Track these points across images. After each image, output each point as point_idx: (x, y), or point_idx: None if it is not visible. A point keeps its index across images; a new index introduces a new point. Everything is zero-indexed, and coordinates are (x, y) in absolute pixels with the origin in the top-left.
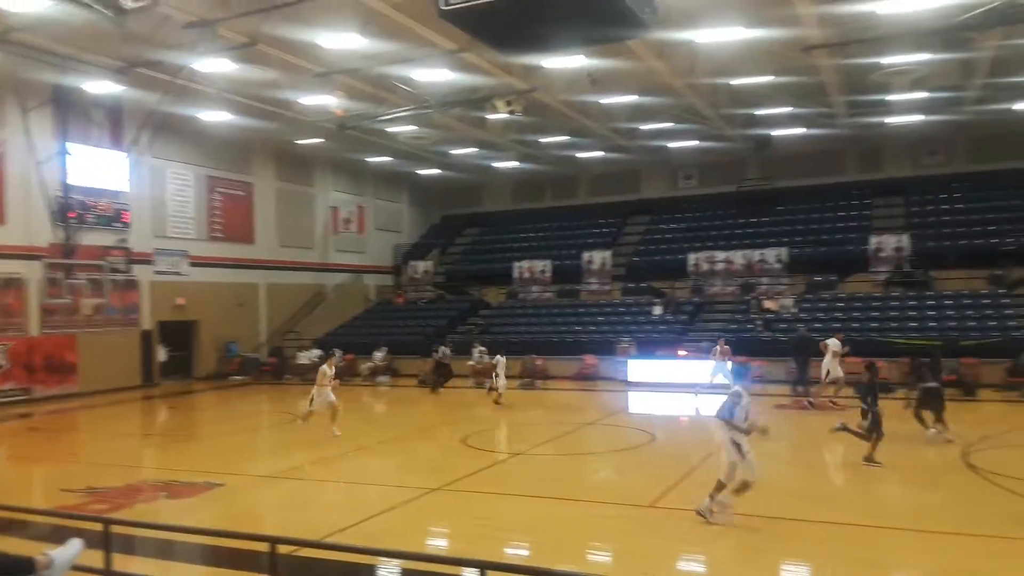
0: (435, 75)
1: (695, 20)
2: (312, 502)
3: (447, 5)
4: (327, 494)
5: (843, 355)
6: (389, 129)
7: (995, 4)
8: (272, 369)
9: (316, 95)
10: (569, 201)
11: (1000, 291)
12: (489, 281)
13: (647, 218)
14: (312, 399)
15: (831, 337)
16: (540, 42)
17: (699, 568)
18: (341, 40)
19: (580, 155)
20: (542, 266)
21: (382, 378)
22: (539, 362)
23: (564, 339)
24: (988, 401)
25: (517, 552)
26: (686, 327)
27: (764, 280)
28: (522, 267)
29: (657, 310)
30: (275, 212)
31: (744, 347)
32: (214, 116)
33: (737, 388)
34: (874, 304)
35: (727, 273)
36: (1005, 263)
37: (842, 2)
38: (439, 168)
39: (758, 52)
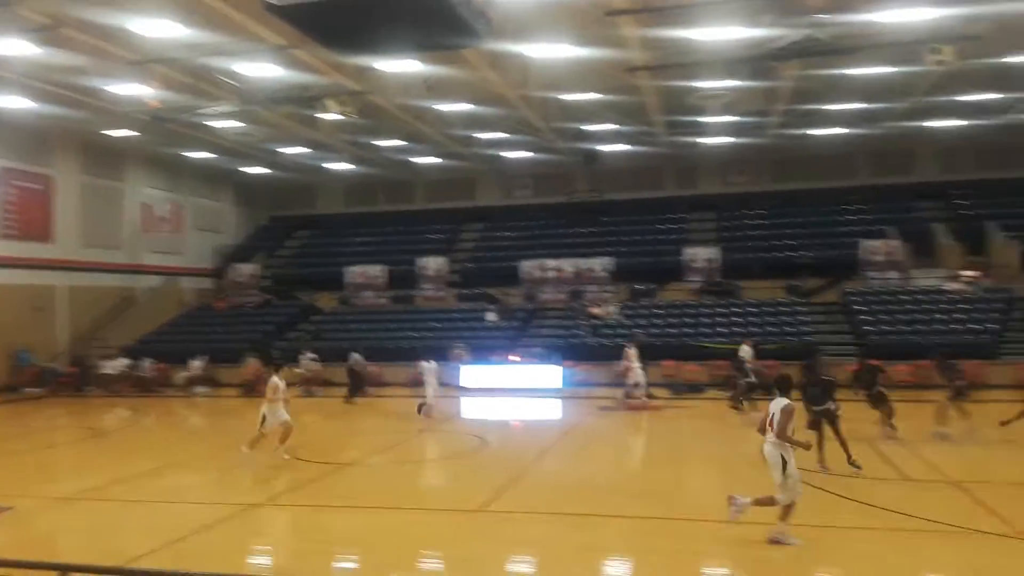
0: (263, 70)
1: (527, 35)
2: (117, 525)
3: None
4: (134, 515)
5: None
6: (211, 124)
7: (795, 38)
8: (73, 380)
9: (129, 84)
10: (405, 206)
11: (797, 300)
12: (320, 286)
13: (482, 225)
14: (263, 419)
15: (742, 344)
16: (371, 44)
17: (527, 569)
18: (158, 27)
19: (416, 160)
20: (376, 271)
21: (200, 388)
22: (373, 368)
23: (399, 345)
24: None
25: (345, 566)
26: (519, 333)
27: (591, 288)
28: (355, 272)
29: (491, 316)
30: (79, 208)
31: (572, 352)
32: (10, 102)
33: (788, 402)
34: (688, 311)
35: (557, 281)
36: (801, 274)
37: (662, 27)
38: (267, 167)
39: (586, 70)
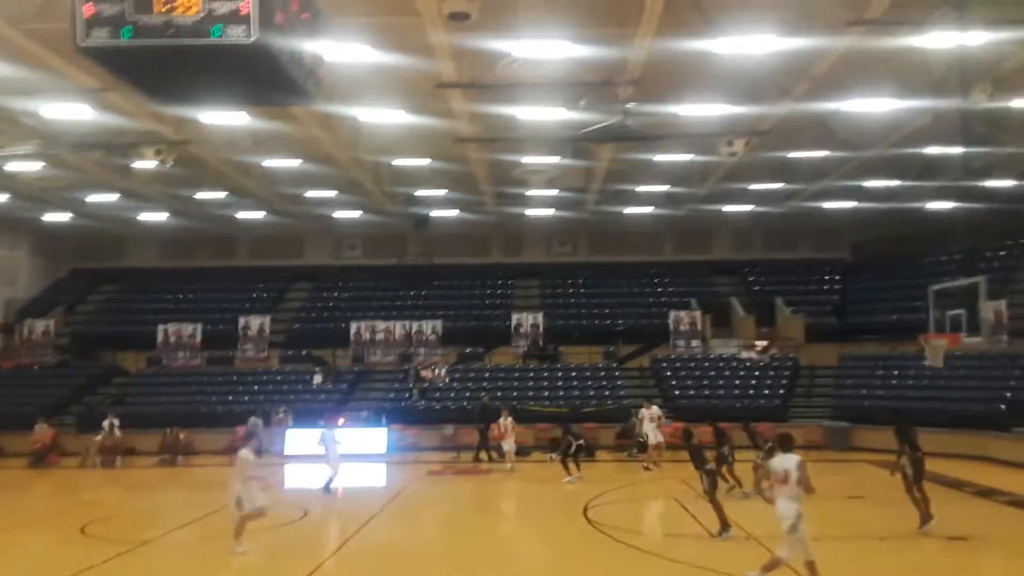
0: (72, 112)
1: (359, 98)
2: None
3: (86, 41)
4: None
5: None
6: (6, 167)
7: (608, 123)
8: None
9: None
10: (226, 262)
11: (613, 364)
12: (127, 345)
13: (310, 285)
14: (239, 501)
15: (651, 406)
16: (190, 96)
17: None
18: None
19: (240, 215)
20: (191, 330)
21: None
22: (182, 435)
23: (214, 410)
24: (603, 461)
25: None
26: (346, 396)
27: (421, 350)
28: (168, 330)
29: (317, 379)
30: None
31: (400, 415)
32: None
33: (799, 457)
34: (515, 374)
35: (387, 343)
36: (616, 341)
37: (488, 103)
38: (71, 214)
39: (417, 137)
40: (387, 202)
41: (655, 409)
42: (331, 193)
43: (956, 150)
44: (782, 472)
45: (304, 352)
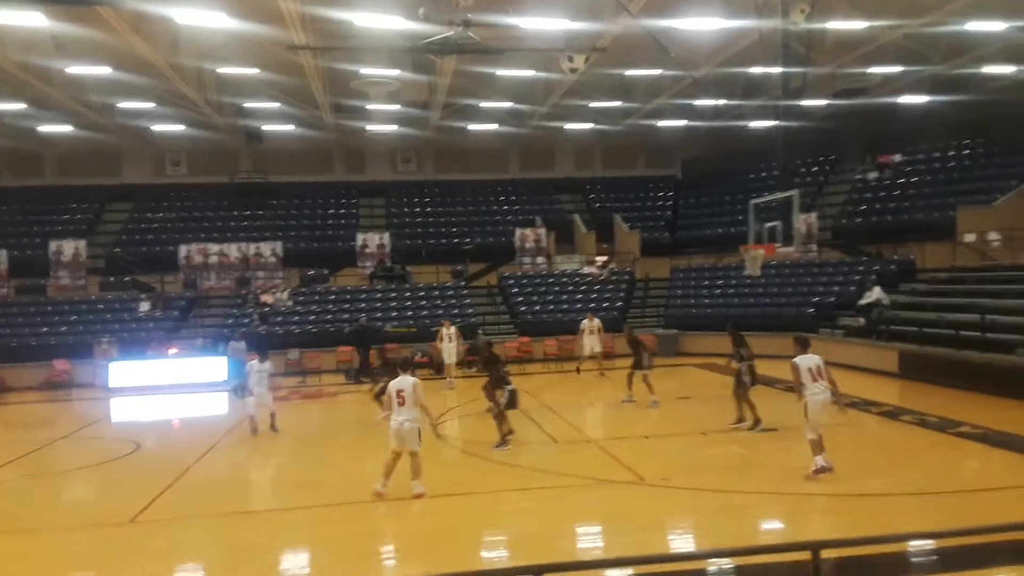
0: None
1: None
2: None
3: None
4: None
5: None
6: None
7: (450, 34)
8: None
9: None
10: (32, 181)
11: (461, 283)
12: None
13: (130, 205)
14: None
15: (593, 318)
16: None
17: None
18: None
19: (44, 129)
20: None
21: None
22: None
23: (27, 343)
24: (456, 377)
25: None
26: (178, 324)
27: (260, 274)
28: None
29: (144, 307)
30: None
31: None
32: None
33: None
34: (362, 296)
35: (222, 267)
36: (464, 259)
37: (322, 6)
38: None
39: (245, 43)
40: (214, 114)
41: (596, 321)
42: (149, 104)
43: (777, 69)
44: (815, 367)
45: (127, 278)
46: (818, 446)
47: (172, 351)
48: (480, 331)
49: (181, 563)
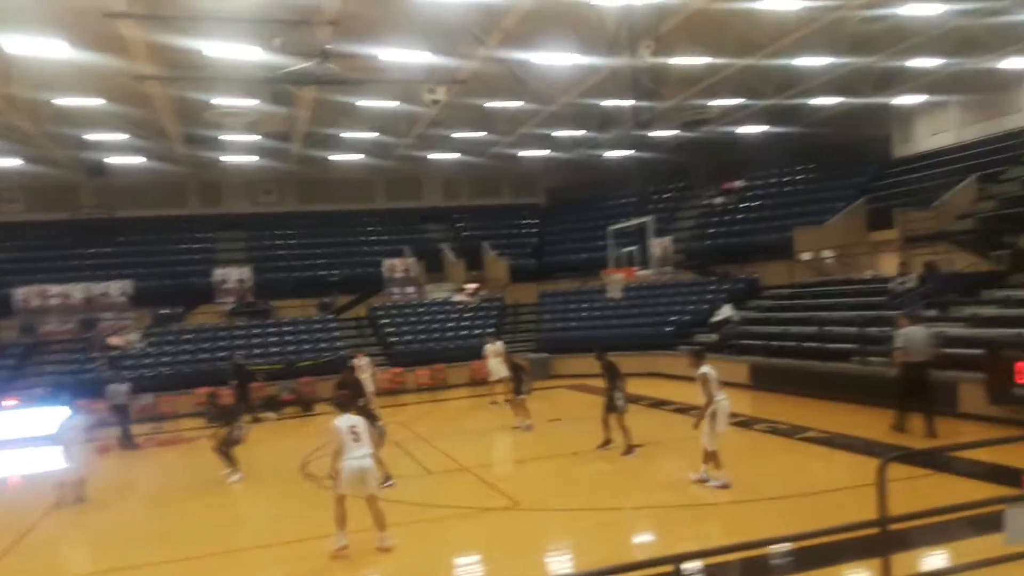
0: None
1: (4, 24)
2: None
3: None
4: None
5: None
6: None
7: (308, 64)
8: None
9: None
10: None
11: (329, 316)
12: None
13: None
14: None
15: (495, 342)
16: None
17: None
18: None
19: None
20: None
21: None
22: None
23: None
24: (323, 414)
25: None
26: (15, 373)
27: (107, 315)
28: None
29: None
30: None
31: (87, 389)
32: None
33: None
34: (221, 334)
35: (64, 309)
36: (331, 292)
37: (169, 35)
38: None
39: (86, 72)
40: (52, 147)
41: (499, 344)
42: None
43: (628, 103)
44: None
45: None
46: (719, 460)
47: (10, 403)
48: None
49: None
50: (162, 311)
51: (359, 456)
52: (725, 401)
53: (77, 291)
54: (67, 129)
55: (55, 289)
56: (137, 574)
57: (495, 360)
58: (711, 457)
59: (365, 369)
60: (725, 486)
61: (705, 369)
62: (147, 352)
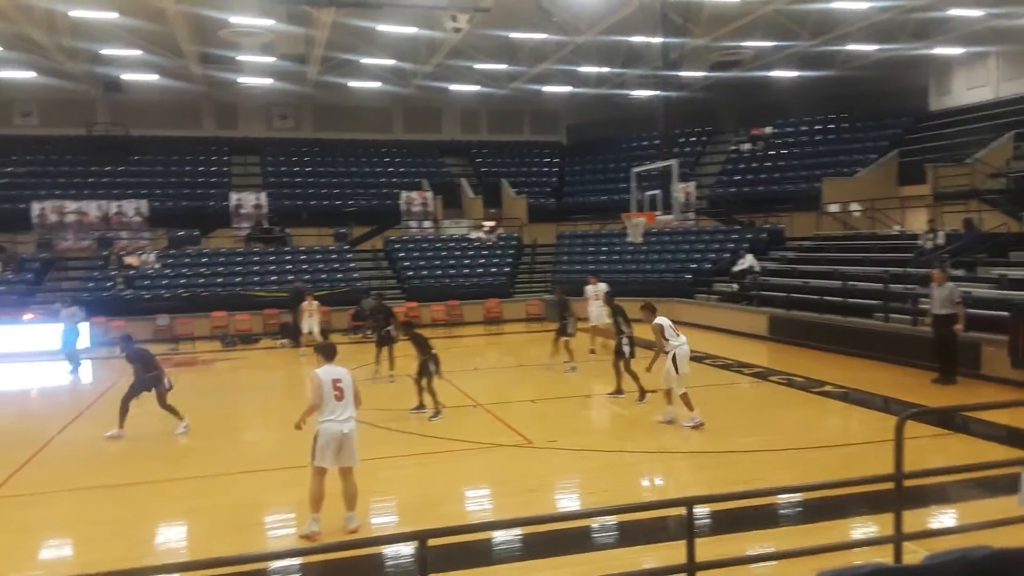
0: None
1: None
2: None
3: None
4: None
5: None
6: None
7: None
8: None
9: None
10: None
11: (345, 247)
12: None
13: None
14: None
15: (596, 282)
16: None
17: (48, 554)
18: None
19: None
20: None
21: None
22: None
23: None
24: (341, 343)
25: None
26: (33, 287)
27: (124, 234)
28: None
29: None
30: None
31: (102, 307)
32: None
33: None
34: (237, 259)
35: (81, 226)
36: (348, 221)
37: None
38: None
39: None
40: (67, 61)
41: (602, 286)
42: None
43: (656, 40)
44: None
45: None
46: (689, 401)
47: (28, 316)
48: (371, 293)
49: (44, 539)
50: (178, 233)
51: (342, 419)
52: (685, 346)
53: (93, 208)
54: (82, 43)
55: (72, 205)
56: (154, 489)
57: (596, 303)
58: (683, 400)
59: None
60: (699, 425)
61: (659, 320)
62: (163, 273)
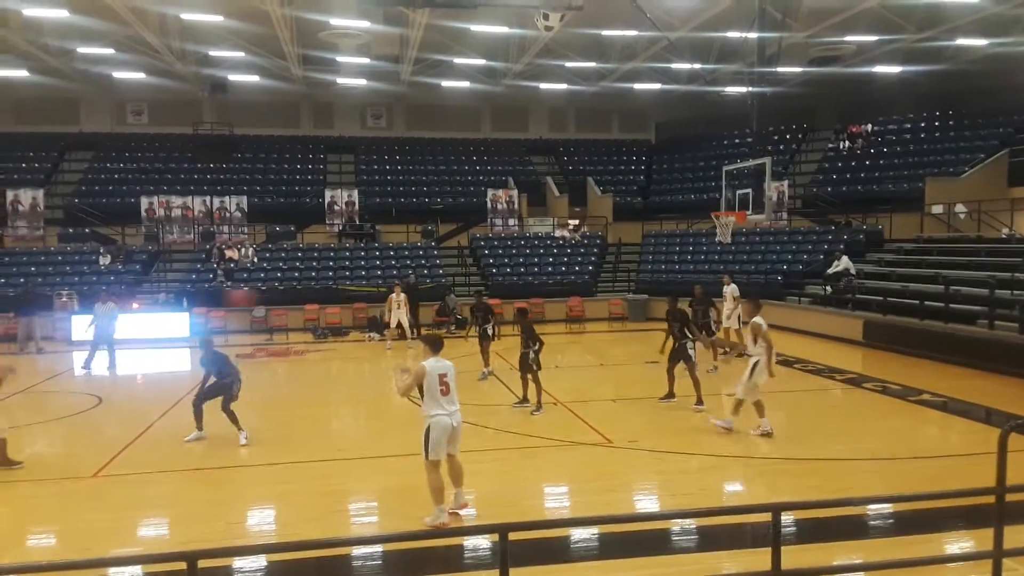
0: None
1: None
2: None
3: None
4: None
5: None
6: None
7: None
8: None
9: None
10: None
11: (431, 243)
12: None
13: (89, 155)
14: None
15: (731, 282)
16: None
17: (147, 532)
18: None
19: (0, 74)
20: None
21: None
22: None
23: None
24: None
25: None
26: (140, 278)
27: (224, 229)
28: None
29: (105, 259)
30: None
31: (204, 298)
32: None
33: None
34: (330, 254)
35: (185, 220)
36: (435, 219)
37: None
38: None
39: None
40: (176, 62)
41: (734, 287)
42: (108, 50)
43: (752, 35)
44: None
45: (87, 230)
46: (762, 408)
47: (135, 306)
48: (452, 291)
49: (144, 517)
50: (275, 228)
51: (451, 411)
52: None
53: (198, 203)
54: (191, 45)
55: (177, 200)
56: (247, 472)
57: (731, 303)
58: (755, 407)
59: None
60: (767, 433)
61: (760, 320)
62: (261, 266)
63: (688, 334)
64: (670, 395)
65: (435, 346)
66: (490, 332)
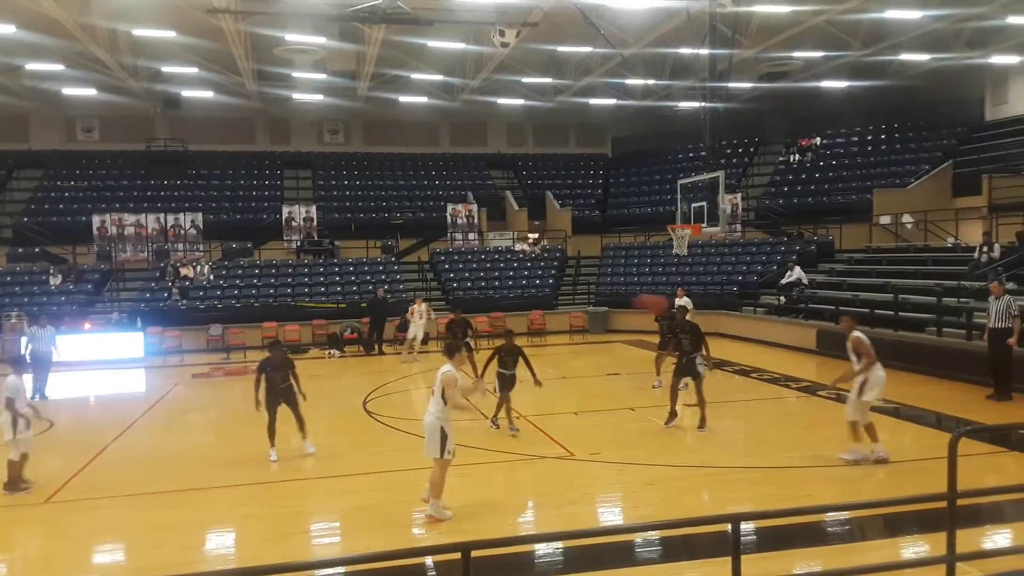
0: None
1: None
2: None
3: None
4: None
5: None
6: None
7: (378, 2)
8: None
9: None
10: None
11: (391, 258)
12: None
13: (39, 172)
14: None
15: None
16: None
17: (102, 559)
18: None
19: None
20: None
21: None
22: None
23: None
24: (387, 355)
25: None
26: (93, 297)
27: (179, 246)
28: None
29: (56, 279)
30: None
31: (159, 317)
32: None
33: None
34: (288, 270)
35: (139, 238)
36: (394, 234)
37: None
38: None
39: (161, 3)
40: (128, 78)
41: (687, 300)
42: (58, 66)
43: (704, 51)
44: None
45: (37, 249)
46: (874, 431)
47: (87, 326)
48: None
49: (99, 543)
50: (232, 245)
51: (428, 412)
52: (881, 370)
53: (151, 221)
54: (143, 61)
55: (130, 218)
56: (207, 495)
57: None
58: (867, 431)
59: (423, 314)
60: (883, 459)
61: (860, 334)
62: (217, 284)
63: (701, 348)
64: (673, 415)
65: (448, 353)
66: (471, 345)
